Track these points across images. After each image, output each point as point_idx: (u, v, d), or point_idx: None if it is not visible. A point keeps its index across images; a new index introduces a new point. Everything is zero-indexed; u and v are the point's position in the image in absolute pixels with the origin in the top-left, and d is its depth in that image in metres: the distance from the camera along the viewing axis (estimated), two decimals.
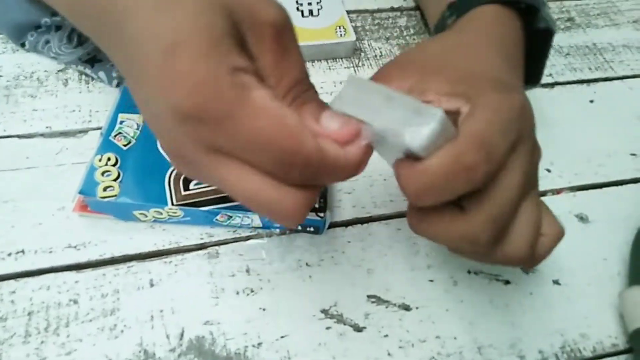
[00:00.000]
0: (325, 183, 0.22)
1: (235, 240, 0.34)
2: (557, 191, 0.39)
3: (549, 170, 0.40)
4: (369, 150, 0.21)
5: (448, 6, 0.34)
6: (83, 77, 0.41)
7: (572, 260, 0.36)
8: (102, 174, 0.33)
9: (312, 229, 0.34)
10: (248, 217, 0.33)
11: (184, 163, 0.21)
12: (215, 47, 0.18)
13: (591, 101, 0.46)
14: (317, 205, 0.33)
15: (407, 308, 0.33)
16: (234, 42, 0.19)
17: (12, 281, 0.31)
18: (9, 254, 0.32)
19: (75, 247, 0.33)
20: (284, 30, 0.20)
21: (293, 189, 0.20)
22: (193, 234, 0.34)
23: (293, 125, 0.18)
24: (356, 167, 0.20)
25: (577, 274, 0.35)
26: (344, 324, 0.31)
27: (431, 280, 0.34)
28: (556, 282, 0.35)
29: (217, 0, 0.19)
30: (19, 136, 0.38)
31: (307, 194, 0.20)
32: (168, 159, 0.23)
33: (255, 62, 0.20)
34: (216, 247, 0.34)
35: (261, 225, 0.34)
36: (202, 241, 0.34)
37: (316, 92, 0.22)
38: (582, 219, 0.38)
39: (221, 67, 0.18)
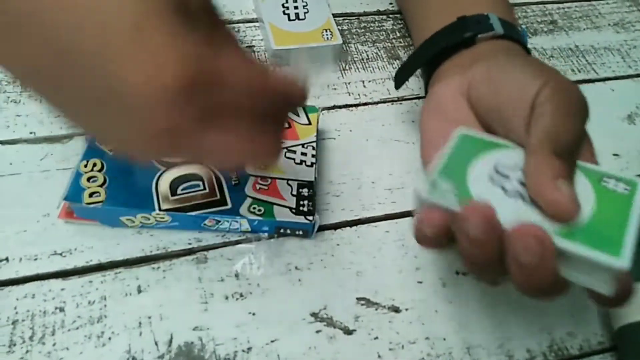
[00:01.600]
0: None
1: (224, 244, 0.34)
2: None
3: None
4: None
5: (460, 19, 0.36)
6: None
7: None
8: (88, 179, 0.32)
9: (301, 233, 0.34)
10: (236, 222, 0.33)
11: (171, 144, 0.20)
12: (174, 14, 0.17)
13: None
14: (305, 209, 0.33)
15: (396, 310, 0.33)
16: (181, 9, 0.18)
17: None
18: None
19: (61, 254, 0.32)
20: None
21: (268, 133, 0.23)
22: (181, 239, 0.34)
23: (259, 65, 0.21)
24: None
25: None
26: (334, 327, 0.31)
27: (420, 282, 0.34)
28: None
29: None
30: (2, 142, 0.37)
31: (278, 135, 0.24)
32: (142, 157, 0.24)
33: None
34: (204, 252, 0.33)
35: (250, 230, 0.34)
36: (190, 246, 0.33)
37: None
38: None
39: (190, 35, 0.18)
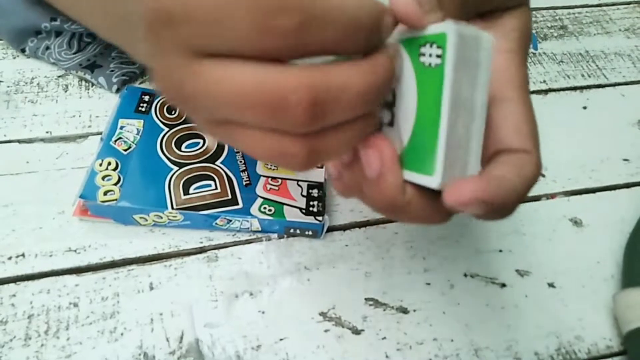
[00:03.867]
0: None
1: (235, 244, 0.34)
2: (552, 196, 0.40)
3: (543, 175, 0.41)
4: None
5: None
6: (83, 82, 0.42)
7: (567, 263, 0.36)
8: (103, 178, 0.33)
9: (310, 233, 0.35)
10: (247, 221, 0.33)
11: (170, 82, 0.18)
12: None
13: (584, 107, 0.47)
14: (315, 210, 0.34)
15: (404, 311, 0.33)
16: None
17: (12, 285, 0.31)
18: (9, 258, 0.32)
19: (75, 250, 0.33)
20: None
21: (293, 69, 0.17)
22: (192, 238, 0.34)
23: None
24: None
25: (571, 277, 0.35)
26: (343, 327, 0.32)
27: (428, 284, 0.34)
28: (551, 284, 0.35)
29: None
30: (19, 141, 0.38)
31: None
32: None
33: None
34: (215, 251, 0.34)
35: (260, 229, 0.34)
36: (201, 245, 0.34)
37: None
38: (576, 223, 0.38)
39: None
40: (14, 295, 0.31)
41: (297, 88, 0.16)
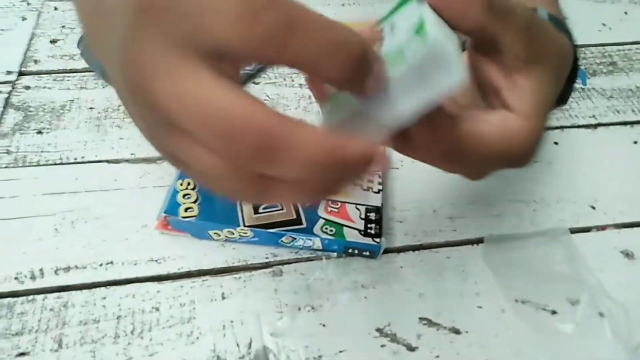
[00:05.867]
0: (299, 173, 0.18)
1: (297, 260, 0.37)
2: (602, 227, 0.41)
3: (593, 207, 0.42)
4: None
5: None
6: None
7: (618, 294, 0.37)
8: (183, 196, 0.37)
9: (367, 254, 0.37)
10: (310, 240, 0.36)
11: (150, 137, 0.20)
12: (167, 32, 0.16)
13: (635, 142, 0.47)
14: (373, 232, 0.36)
15: (457, 332, 0.35)
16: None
17: (103, 288, 0.35)
18: (100, 264, 0.36)
19: (156, 260, 0.37)
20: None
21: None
22: (259, 254, 0.37)
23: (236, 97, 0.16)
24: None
25: (622, 307, 0.36)
26: (398, 343, 0.34)
27: (480, 307, 0.36)
28: (602, 314, 0.36)
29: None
30: (107, 161, 0.43)
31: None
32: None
33: None
34: (280, 266, 0.37)
35: (321, 248, 0.37)
36: (267, 260, 0.37)
37: None
38: (627, 255, 0.39)
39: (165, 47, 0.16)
40: (105, 298, 0.35)
41: (257, 130, 0.16)
